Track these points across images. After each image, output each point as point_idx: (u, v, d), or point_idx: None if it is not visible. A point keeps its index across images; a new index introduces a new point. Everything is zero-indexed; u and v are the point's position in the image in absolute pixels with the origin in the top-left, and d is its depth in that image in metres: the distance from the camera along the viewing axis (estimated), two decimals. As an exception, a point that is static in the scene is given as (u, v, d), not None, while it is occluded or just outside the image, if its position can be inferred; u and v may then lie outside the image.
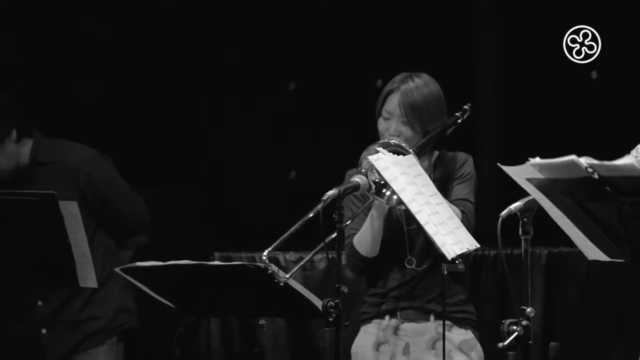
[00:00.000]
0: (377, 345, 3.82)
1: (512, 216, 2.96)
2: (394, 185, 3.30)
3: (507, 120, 5.46)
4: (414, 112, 3.74)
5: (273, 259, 4.79)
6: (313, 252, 3.52)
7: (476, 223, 3.69)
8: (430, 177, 3.74)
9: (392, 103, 3.78)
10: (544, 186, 2.68)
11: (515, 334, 2.89)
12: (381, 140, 3.62)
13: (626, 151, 5.08)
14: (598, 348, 4.82)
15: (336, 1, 5.66)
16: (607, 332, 4.79)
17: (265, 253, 3.35)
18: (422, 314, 3.76)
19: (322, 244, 3.39)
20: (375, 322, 3.82)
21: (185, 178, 5.43)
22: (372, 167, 3.46)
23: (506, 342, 2.88)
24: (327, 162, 4.79)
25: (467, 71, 5.53)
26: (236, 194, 5.57)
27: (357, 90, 5.51)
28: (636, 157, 3.37)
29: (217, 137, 5.66)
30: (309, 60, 5.61)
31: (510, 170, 2.76)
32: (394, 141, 3.59)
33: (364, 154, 3.57)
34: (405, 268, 3.74)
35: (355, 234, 3.77)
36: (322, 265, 4.85)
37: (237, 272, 3.57)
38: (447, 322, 3.73)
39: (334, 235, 3.39)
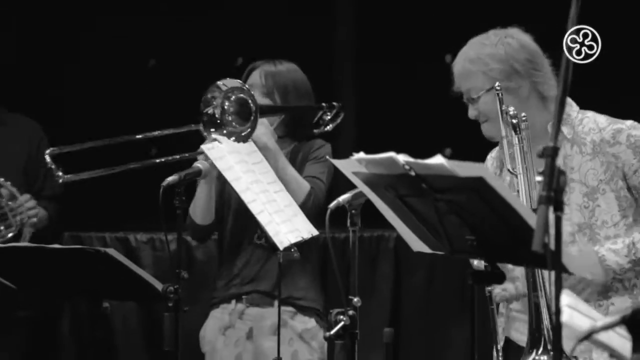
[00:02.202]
0: (224, 330, 3.83)
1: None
2: (227, 175, 3.29)
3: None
4: (275, 83, 3.73)
5: (123, 239, 4.78)
6: None
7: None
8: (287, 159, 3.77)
9: (255, 77, 3.77)
10: (369, 180, 2.72)
11: (342, 323, 2.93)
12: (233, 81, 3.57)
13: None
14: (440, 331, 4.93)
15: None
16: (449, 314, 4.89)
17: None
18: (268, 299, 3.78)
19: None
20: (223, 306, 3.83)
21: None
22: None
23: (332, 332, 2.93)
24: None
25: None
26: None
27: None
28: None
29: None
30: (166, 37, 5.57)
31: (338, 163, 2.80)
32: (237, 81, 3.56)
33: (207, 92, 3.55)
34: (255, 245, 3.74)
35: None
36: (173, 246, 4.82)
37: (77, 255, 3.55)
38: (291, 309, 3.75)
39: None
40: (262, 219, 3.28)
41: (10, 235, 4.30)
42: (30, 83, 5.29)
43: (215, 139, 3.44)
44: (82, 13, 5.55)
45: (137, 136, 3.62)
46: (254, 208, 3.28)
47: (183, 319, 3.34)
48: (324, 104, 3.84)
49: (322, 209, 3.58)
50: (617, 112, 3.37)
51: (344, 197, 2.96)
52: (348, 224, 2.97)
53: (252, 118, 3.53)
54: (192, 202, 3.73)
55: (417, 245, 2.84)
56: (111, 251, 3.46)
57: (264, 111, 3.63)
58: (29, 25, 5.44)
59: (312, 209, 3.58)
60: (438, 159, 2.43)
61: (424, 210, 2.65)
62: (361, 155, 2.70)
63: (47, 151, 3.42)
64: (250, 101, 3.55)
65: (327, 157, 3.73)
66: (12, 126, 4.41)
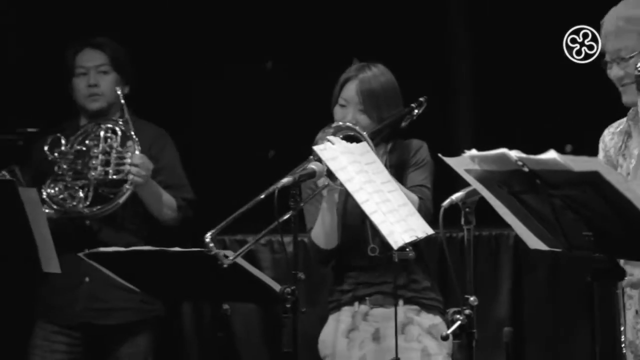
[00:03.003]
0: (347, 332, 3.83)
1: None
2: (340, 176, 3.29)
3: (506, 120, 5.44)
4: (371, 100, 3.76)
5: (242, 242, 4.83)
6: (261, 234, 3.48)
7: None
8: (385, 164, 3.77)
9: (350, 91, 3.79)
10: (481, 177, 2.70)
11: (459, 322, 2.91)
12: (335, 123, 3.63)
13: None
14: (563, 331, 4.83)
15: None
16: (572, 314, 4.79)
17: (208, 235, 3.34)
18: (391, 299, 3.77)
19: (264, 232, 3.39)
20: (345, 309, 3.84)
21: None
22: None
23: (449, 331, 2.91)
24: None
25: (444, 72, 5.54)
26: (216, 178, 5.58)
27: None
28: (604, 148, 3.37)
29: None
30: (285, 39, 5.61)
31: (450, 161, 2.78)
32: (348, 124, 3.61)
33: (318, 135, 3.59)
34: (369, 256, 3.75)
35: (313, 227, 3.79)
36: (291, 248, 4.85)
37: (197, 258, 3.60)
38: (416, 307, 3.76)
39: (286, 216, 3.38)
40: (376, 218, 3.27)
41: (113, 177, 4.35)
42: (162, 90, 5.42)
43: (327, 140, 3.45)
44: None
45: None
46: (367, 208, 3.27)
47: (301, 321, 3.35)
48: (413, 105, 3.87)
49: (434, 213, 3.59)
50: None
51: (457, 195, 2.93)
52: (462, 222, 2.95)
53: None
54: (315, 227, 3.77)
55: (533, 242, 2.80)
56: (230, 253, 3.50)
57: (372, 139, 3.64)
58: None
59: (425, 220, 3.54)
60: (551, 154, 2.38)
61: (539, 206, 2.61)
62: (473, 152, 2.67)
63: (208, 237, 3.44)
64: (359, 135, 3.57)
65: (428, 157, 3.78)
66: (139, 131, 4.52)
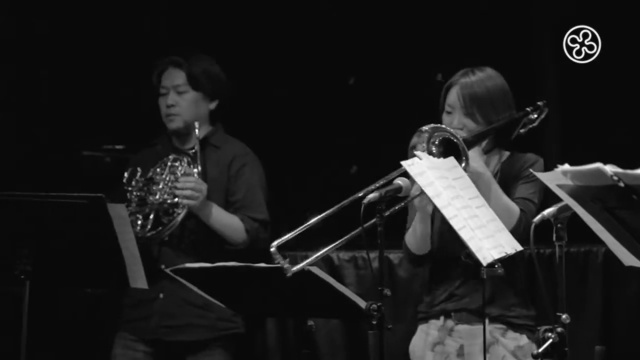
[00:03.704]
0: (433, 346, 3.80)
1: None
2: (428, 191, 3.25)
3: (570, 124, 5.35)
4: (474, 103, 3.70)
5: (326, 258, 4.81)
6: (333, 245, 3.44)
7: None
8: (496, 174, 3.72)
9: (453, 96, 3.75)
10: (574, 193, 2.64)
11: (550, 340, 2.85)
12: (431, 125, 3.56)
13: (627, 151, 4.95)
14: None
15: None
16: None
17: (274, 244, 3.34)
18: (477, 317, 3.71)
19: (336, 243, 3.36)
20: (432, 322, 3.80)
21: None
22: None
23: (540, 349, 2.84)
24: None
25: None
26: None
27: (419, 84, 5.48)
28: None
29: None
30: (367, 54, 5.59)
31: (542, 176, 2.73)
32: (443, 126, 3.56)
33: (413, 140, 3.54)
34: (462, 264, 3.69)
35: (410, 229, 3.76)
36: (376, 264, 4.83)
37: (280, 273, 3.59)
38: (502, 326, 3.69)
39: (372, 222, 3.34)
40: (464, 234, 3.22)
41: (168, 201, 4.38)
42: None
43: (415, 155, 3.41)
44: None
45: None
46: (456, 224, 3.23)
47: (387, 337, 3.32)
48: (528, 109, 3.74)
49: None
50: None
51: (549, 211, 2.88)
52: (554, 238, 2.89)
53: (461, 155, 3.49)
54: (408, 231, 3.74)
55: (628, 259, 2.72)
56: (314, 269, 3.48)
57: (472, 143, 3.59)
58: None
59: (524, 234, 3.47)
60: (650, 168, 2.32)
61: (634, 222, 2.54)
62: (566, 167, 2.62)
63: (273, 246, 3.44)
64: (454, 139, 3.51)
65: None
66: (222, 149, 4.54)
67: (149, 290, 4.28)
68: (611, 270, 4.77)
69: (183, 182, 4.38)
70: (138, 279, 3.83)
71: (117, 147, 5.16)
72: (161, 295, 4.44)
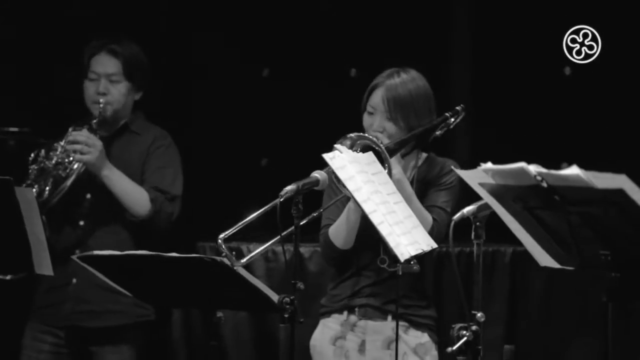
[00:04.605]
0: (335, 340, 3.80)
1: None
2: (349, 185, 3.25)
3: (508, 123, 5.40)
4: (397, 107, 3.69)
5: (236, 250, 4.77)
6: (267, 244, 3.45)
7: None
8: (412, 178, 3.72)
9: (377, 97, 3.73)
10: (495, 191, 2.66)
11: (465, 338, 2.86)
12: (355, 133, 3.56)
13: (628, 152, 5.04)
14: (560, 348, 4.80)
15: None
16: (567, 334, 4.76)
17: (221, 236, 3.30)
18: (380, 313, 3.74)
19: (277, 238, 3.36)
20: (334, 316, 3.80)
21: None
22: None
23: (455, 347, 2.86)
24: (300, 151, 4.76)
25: (442, 67, 5.49)
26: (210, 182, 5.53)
27: (332, 79, 5.48)
28: None
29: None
30: (284, 47, 5.56)
31: (463, 174, 2.74)
32: (366, 135, 3.56)
33: (336, 145, 3.52)
34: (376, 267, 3.69)
35: (331, 224, 3.74)
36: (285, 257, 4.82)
37: (194, 263, 3.54)
38: (404, 324, 3.71)
39: (290, 229, 3.35)
40: (383, 229, 3.22)
41: (66, 161, 4.29)
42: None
43: (336, 149, 3.40)
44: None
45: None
46: (375, 218, 3.22)
47: (300, 328, 3.31)
48: (447, 114, 3.76)
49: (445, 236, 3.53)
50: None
51: (468, 209, 2.90)
52: (472, 236, 2.91)
53: (384, 162, 3.49)
54: (334, 225, 3.71)
55: (544, 259, 2.76)
56: (227, 261, 3.44)
57: (394, 150, 3.60)
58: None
59: (436, 242, 3.46)
60: (574, 170, 2.34)
61: (554, 223, 2.57)
62: (489, 165, 2.63)
63: (220, 238, 3.38)
64: (376, 147, 3.51)
65: (456, 182, 3.68)
66: (143, 135, 4.46)
67: (62, 275, 4.20)
68: (518, 270, 4.84)
69: (73, 136, 4.27)
70: (44, 266, 3.74)
71: (23, 130, 5.00)
72: (74, 281, 4.35)
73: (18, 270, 3.93)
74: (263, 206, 3.38)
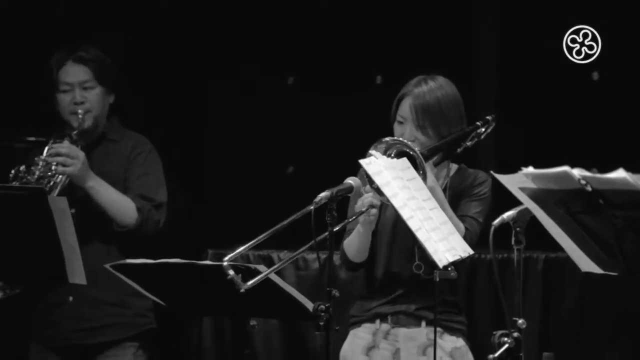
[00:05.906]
0: (367, 350, 3.77)
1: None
2: (386, 190, 3.23)
3: (506, 124, 5.37)
4: (425, 116, 3.66)
5: (266, 257, 4.76)
6: (297, 252, 3.39)
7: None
8: (445, 187, 3.70)
9: (405, 107, 3.70)
10: (536, 196, 2.63)
11: (506, 345, 2.84)
12: (389, 137, 3.54)
13: (628, 152, 5.01)
14: (596, 355, 4.77)
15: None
16: (602, 340, 4.73)
17: (226, 259, 3.23)
18: (413, 320, 3.71)
19: (309, 244, 3.32)
20: (366, 325, 3.78)
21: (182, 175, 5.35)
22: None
23: (496, 354, 2.84)
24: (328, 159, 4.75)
25: (466, 71, 5.46)
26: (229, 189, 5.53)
27: (358, 86, 5.47)
28: None
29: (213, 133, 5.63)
30: (309, 55, 5.56)
31: (503, 178, 2.71)
32: (400, 139, 3.53)
33: (372, 147, 3.51)
34: (408, 273, 3.68)
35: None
36: (316, 265, 4.80)
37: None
38: (438, 329, 3.68)
39: (325, 234, 3.31)
40: (421, 236, 3.20)
41: (49, 173, 4.20)
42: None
43: (371, 154, 3.38)
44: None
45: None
46: (413, 224, 3.21)
47: (334, 337, 3.29)
48: (478, 123, 3.74)
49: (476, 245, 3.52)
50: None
51: (508, 214, 2.88)
52: (513, 242, 2.88)
53: (419, 168, 3.47)
54: (348, 238, 3.71)
55: (586, 265, 2.72)
56: (262, 268, 3.42)
57: (427, 157, 3.57)
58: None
59: None
60: (620, 173, 2.31)
61: (598, 227, 2.54)
62: (530, 169, 2.60)
63: (225, 260, 3.33)
64: (411, 153, 3.49)
65: (489, 193, 3.67)
66: (121, 143, 4.41)
67: (57, 294, 4.15)
68: (551, 276, 4.81)
69: (55, 149, 4.19)
70: (77, 274, 3.73)
71: (39, 139, 4.96)
72: (70, 299, 4.28)
73: (51, 279, 3.91)
74: (290, 214, 3.34)
